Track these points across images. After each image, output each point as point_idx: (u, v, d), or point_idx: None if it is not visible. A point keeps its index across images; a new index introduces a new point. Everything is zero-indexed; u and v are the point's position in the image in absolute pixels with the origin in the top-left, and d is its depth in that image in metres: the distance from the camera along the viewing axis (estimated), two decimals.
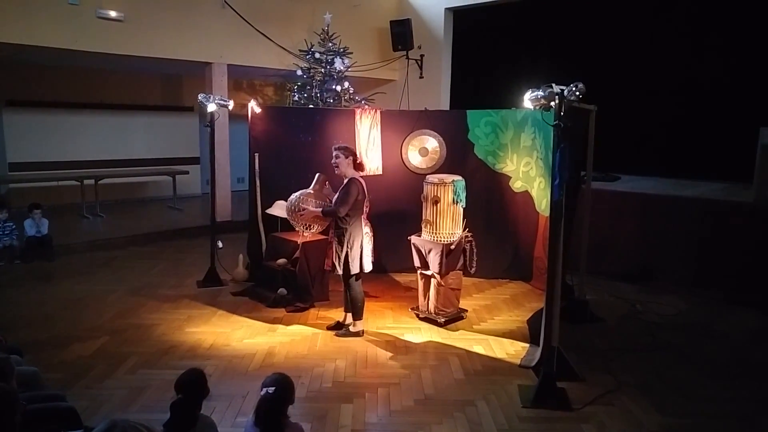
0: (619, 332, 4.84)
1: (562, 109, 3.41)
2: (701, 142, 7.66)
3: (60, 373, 3.76)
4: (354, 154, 4.49)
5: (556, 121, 3.42)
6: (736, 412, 3.50)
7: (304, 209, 4.71)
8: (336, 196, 4.45)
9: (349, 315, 4.70)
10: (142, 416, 3.21)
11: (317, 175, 5.01)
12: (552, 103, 3.44)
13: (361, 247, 4.45)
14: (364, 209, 4.48)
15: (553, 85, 3.40)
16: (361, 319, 4.65)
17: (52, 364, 3.91)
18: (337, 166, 4.43)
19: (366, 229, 4.50)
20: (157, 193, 10.78)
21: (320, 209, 4.60)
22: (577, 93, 3.38)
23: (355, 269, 4.46)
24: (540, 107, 3.56)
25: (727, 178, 7.18)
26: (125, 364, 4.00)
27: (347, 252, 4.42)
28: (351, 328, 4.65)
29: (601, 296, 5.67)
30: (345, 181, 4.43)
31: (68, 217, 8.55)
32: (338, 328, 4.73)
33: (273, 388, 2.44)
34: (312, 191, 4.90)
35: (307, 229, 5.13)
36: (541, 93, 3.43)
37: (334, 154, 4.44)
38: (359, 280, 4.60)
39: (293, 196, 4.93)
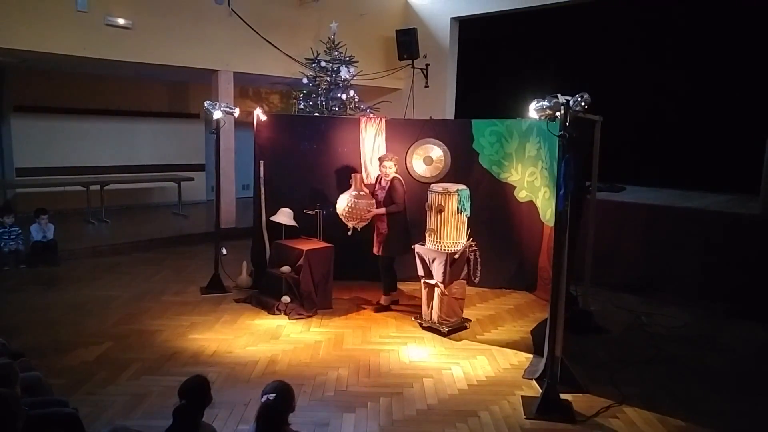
0: (623, 343, 4.81)
1: (568, 120, 3.41)
2: (707, 153, 7.63)
3: (63, 379, 3.76)
4: (393, 159, 5.36)
5: (562, 132, 3.42)
6: (739, 426, 3.47)
7: (359, 204, 5.29)
8: (393, 195, 5.25)
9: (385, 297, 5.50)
10: (144, 423, 3.22)
11: (353, 176, 5.53)
12: (557, 114, 3.45)
13: (403, 235, 5.31)
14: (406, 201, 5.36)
15: (559, 95, 3.41)
16: (390, 294, 5.53)
17: (56, 369, 3.91)
18: (386, 175, 5.33)
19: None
20: (162, 200, 10.82)
21: (382, 210, 5.29)
22: (583, 104, 3.39)
23: (392, 252, 5.35)
24: (545, 117, 3.56)
25: (734, 189, 7.14)
26: (128, 370, 4.00)
27: (390, 237, 5.28)
28: (383, 302, 5.50)
29: (606, 307, 5.65)
30: (389, 180, 5.30)
31: (73, 223, 8.59)
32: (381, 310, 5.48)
33: (274, 396, 2.44)
34: (356, 191, 5.40)
35: (359, 223, 5.40)
36: (546, 103, 3.44)
37: (381, 165, 5.36)
38: (393, 261, 5.45)
39: (342, 199, 5.39)
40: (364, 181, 5.96)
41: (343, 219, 5.41)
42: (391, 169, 5.31)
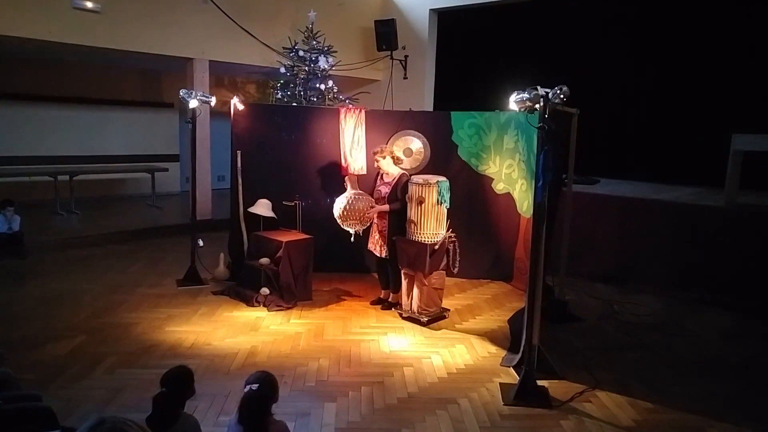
0: (596, 331, 4.93)
1: (547, 112, 3.46)
2: (678, 147, 7.85)
3: (33, 374, 3.65)
4: (391, 152, 5.16)
5: (541, 124, 3.47)
6: (705, 407, 3.60)
7: (357, 205, 5.12)
8: (397, 192, 5.02)
9: (388, 292, 5.35)
10: (121, 416, 3.15)
11: (348, 176, 5.41)
12: (537, 106, 3.49)
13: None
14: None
15: (539, 87, 3.45)
16: (397, 292, 5.25)
17: (25, 364, 3.78)
18: (380, 167, 5.12)
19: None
20: (136, 191, 10.60)
21: (386, 208, 5.07)
22: (562, 96, 3.44)
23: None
24: (525, 109, 3.61)
25: (701, 182, 7.36)
26: (103, 364, 3.92)
27: (391, 235, 5.05)
28: (392, 300, 5.32)
29: (580, 297, 5.77)
30: (395, 177, 5.08)
31: (41, 214, 8.33)
32: (380, 303, 5.36)
33: (257, 386, 2.42)
34: (354, 191, 5.26)
35: (358, 226, 5.22)
36: (526, 95, 3.48)
37: (374, 158, 5.12)
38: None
39: (340, 201, 5.22)
40: (351, 173, 5.85)
41: (341, 223, 5.24)
42: (388, 164, 5.10)
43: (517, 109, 3.68)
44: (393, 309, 5.25)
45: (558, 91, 3.46)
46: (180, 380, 2.45)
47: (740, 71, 7.34)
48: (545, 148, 3.51)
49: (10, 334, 4.35)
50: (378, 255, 5.24)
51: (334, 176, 6.02)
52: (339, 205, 5.23)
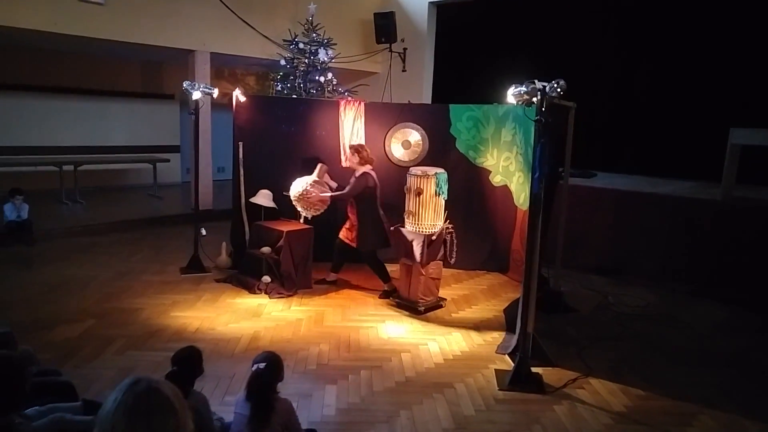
0: (590, 322, 5.06)
1: (544, 105, 3.56)
2: (674, 141, 7.95)
3: (48, 354, 3.78)
4: (359, 151, 5.30)
5: (538, 117, 3.57)
6: (696, 395, 3.72)
7: (311, 192, 5.33)
8: (350, 182, 5.26)
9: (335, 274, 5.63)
10: None
11: (319, 165, 5.56)
12: (534, 99, 3.59)
13: (373, 228, 5.28)
14: (377, 195, 5.31)
15: (536, 81, 3.55)
16: (389, 281, 5.43)
17: (40, 345, 3.89)
18: (350, 162, 5.35)
19: (381, 212, 5.34)
20: (137, 181, 10.70)
21: (329, 194, 5.34)
22: (559, 89, 3.54)
23: (368, 245, 5.34)
24: (523, 103, 3.70)
25: (698, 176, 7.45)
26: (112, 346, 4.05)
27: (360, 230, 5.29)
28: (387, 288, 5.45)
29: (575, 288, 5.89)
30: (356, 173, 5.26)
31: (47, 203, 8.44)
32: (386, 296, 5.44)
33: (264, 364, 2.55)
34: (317, 178, 5.46)
35: (308, 211, 5.49)
36: (524, 88, 3.57)
37: (348, 152, 5.40)
38: (375, 253, 5.44)
39: (298, 183, 5.41)
40: (343, 164, 6.04)
41: (294, 203, 5.47)
42: (352, 160, 5.30)
43: (515, 102, 3.78)
44: (388, 297, 5.38)
45: (555, 85, 3.55)
46: (190, 360, 2.57)
47: (738, 65, 7.41)
48: (542, 140, 3.61)
49: (24, 317, 4.48)
50: (350, 244, 5.45)
51: (333, 168, 6.11)
52: (296, 187, 5.42)
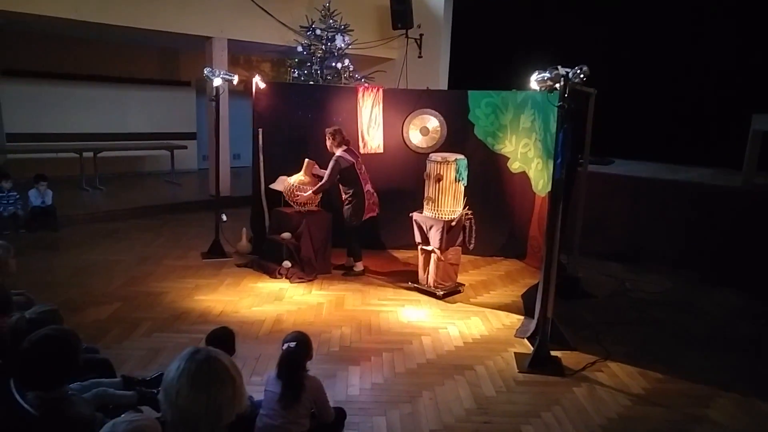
0: (608, 307, 5.09)
1: (567, 91, 3.57)
2: (695, 127, 7.85)
3: (79, 335, 3.88)
4: (333, 135, 5.44)
5: (561, 102, 3.59)
6: (713, 378, 3.76)
7: (297, 195, 5.53)
8: (326, 174, 5.39)
9: (351, 259, 5.75)
10: None
11: (306, 162, 5.65)
12: (557, 85, 3.60)
13: (356, 204, 5.46)
14: (359, 172, 5.45)
15: (559, 67, 3.56)
16: (360, 260, 5.68)
17: (70, 326, 4.02)
18: (329, 147, 5.48)
19: (367, 187, 5.51)
20: (155, 168, 10.83)
21: (311, 191, 5.46)
22: (582, 75, 3.54)
23: (355, 220, 5.50)
24: (545, 88, 3.72)
25: (719, 163, 7.36)
26: (140, 328, 4.17)
27: (346, 208, 5.49)
28: (354, 269, 5.65)
29: (592, 274, 5.91)
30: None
31: (68, 189, 8.58)
32: (345, 270, 5.70)
33: (294, 343, 2.63)
34: (304, 177, 5.59)
35: (303, 207, 5.65)
36: (547, 74, 3.59)
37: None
38: (355, 230, 5.58)
39: (288, 183, 5.60)
40: (360, 150, 6.11)
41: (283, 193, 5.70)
42: (329, 144, 5.44)
43: (537, 88, 3.79)
44: (349, 276, 5.60)
45: (578, 71, 3.56)
46: (224, 339, 2.66)
47: (761, 49, 7.27)
48: (564, 126, 3.63)
49: (53, 299, 4.56)
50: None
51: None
52: (278, 186, 5.66)
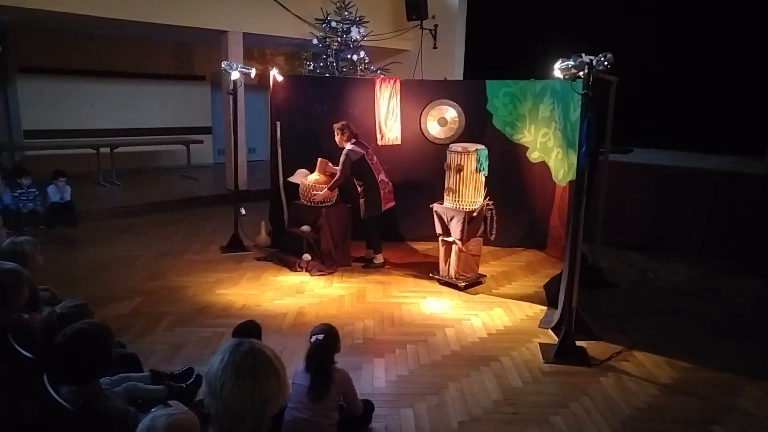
0: (631, 297, 5.03)
1: (591, 79, 3.50)
2: (716, 115, 7.70)
3: None
4: (342, 130, 5.41)
5: (585, 91, 3.52)
6: (740, 366, 3.71)
7: (314, 194, 5.54)
8: (338, 170, 5.41)
9: (371, 251, 5.70)
10: None
11: (318, 161, 5.66)
12: (581, 73, 3.53)
13: (370, 197, 5.44)
14: (370, 163, 5.41)
15: (583, 54, 3.49)
16: (380, 252, 5.64)
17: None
18: (338, 142, 5.48)
19: (381, 177, 5.49)
20: (171, 163, 10.89)
21: (326, 189, 5.46)
22: (606, 63, 3.48)
23: (370, 213, 5.47)
24: (569, 77, 3.65)
25: (740, 151, 7.23)
26: (162, 322, 4.20)
27: (362, 202, 5.49)
28: (374, 261, 5.63)
29: (614, 264, 5.85)
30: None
31: (85, 185, 8.65)
32: (365, 262, 5.69)
33: (322, 336, 2.63)
34: (318, 176, 5.62)
35: (320, 204, 5.63)
36: (571, 62, 3.52)
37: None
38: (374, 222, 5.54)
39: (304, 184, 5.62)
40: (378, 142, 6.10)
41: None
42: (338, 139, 5.43)
43: (561, 76, 3.72)
44: (370, 268, 5.59)
45: (602, 58, 3.49)
46: (251, 332, 2.67)
47: None
48: (589, 114, 3.57)
49: (75, 295, 4.60)
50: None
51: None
52: (296, 179, 5.70)
